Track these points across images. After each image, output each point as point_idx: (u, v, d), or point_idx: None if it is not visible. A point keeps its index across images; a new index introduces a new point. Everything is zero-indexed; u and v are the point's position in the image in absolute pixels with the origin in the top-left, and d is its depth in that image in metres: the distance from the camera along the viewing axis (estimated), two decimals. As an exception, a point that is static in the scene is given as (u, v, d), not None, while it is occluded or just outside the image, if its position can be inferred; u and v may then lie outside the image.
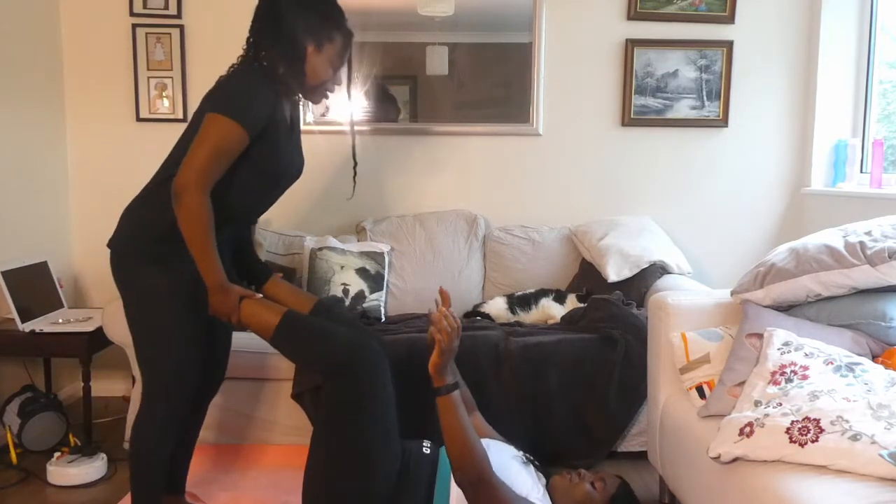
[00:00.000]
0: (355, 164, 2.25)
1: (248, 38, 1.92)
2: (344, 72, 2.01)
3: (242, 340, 2.43)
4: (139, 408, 1.97)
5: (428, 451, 2.02)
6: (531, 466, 2.00)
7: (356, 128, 3.47)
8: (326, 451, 1.89)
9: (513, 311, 3.05)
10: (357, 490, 1.86)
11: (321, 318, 2.02)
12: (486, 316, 3.02)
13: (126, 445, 2.71)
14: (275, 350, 2.70)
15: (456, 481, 1.81)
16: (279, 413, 2.71)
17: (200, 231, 1.76)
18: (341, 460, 1.86)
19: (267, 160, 1.88)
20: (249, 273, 2.10)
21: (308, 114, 3.40)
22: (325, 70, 1.91)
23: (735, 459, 1.62)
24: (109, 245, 1.94)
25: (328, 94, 1.98)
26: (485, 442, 2.03)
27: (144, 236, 1.89)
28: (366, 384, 1.87)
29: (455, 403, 1.82)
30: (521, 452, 2.05)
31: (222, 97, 1.82)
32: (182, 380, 1.95)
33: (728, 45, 3.44)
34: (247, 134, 1.79)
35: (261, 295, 1.95)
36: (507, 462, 1.96)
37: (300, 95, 1.98)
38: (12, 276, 2.75)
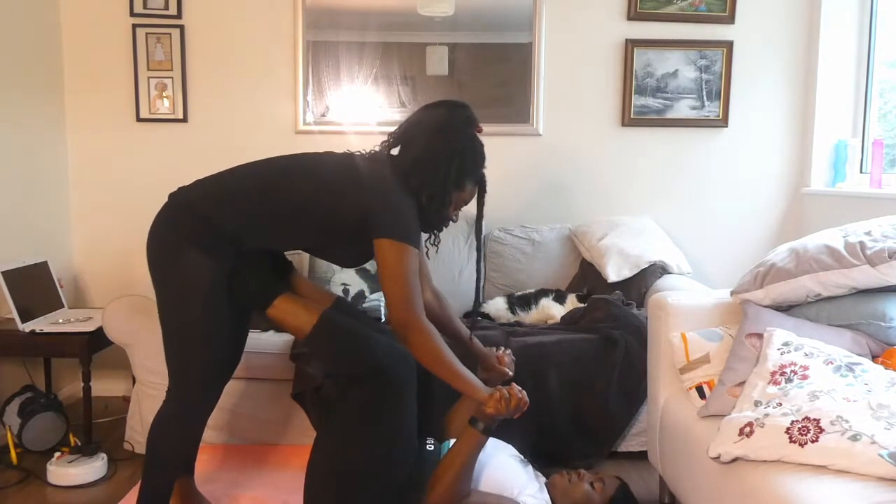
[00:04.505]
0: (479, 242, 2.19)
1: (396, 135, 1.94)
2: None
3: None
4: (165, 404, 1.92)
5: (431, 448, 2.01)
6: (529, 466, 2.00)
7: (359, 128, 3.45)
8: (343, 454, 1.86)
9: (513, 311, 3.05)
10: (368, 494, 1.85)
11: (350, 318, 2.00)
12: (486, 316, 3.02)
13: (126, 446, 2.71)
14: (275, 350, 2.69)
15: None
16: (279, 413, 2.71)
17: (441, 363, 1.81)
18: (358, 464, 1.84)
19: (337, 247, 1.97)
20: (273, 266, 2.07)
21: (308, 113, 3.41)
22: (451, 211, 1.98)
23: (735, 459, 1.62)
24: (173, 196, 1.86)
25: (443, 227, 2.04)
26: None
27: (210, 223, 1.82)
28: (400, 389, 1.86)
29: (477, 447, 1.85)
30: (520, 456, 2.06)
31: (395, 223, 1.81)
32: (216, 380, 1.93)
33: (728, 45, 3.44)
34: (417, 252, 1.86)
35: None
36: (504, 459, 1.96)
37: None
38: (12, 276, 2.75)
